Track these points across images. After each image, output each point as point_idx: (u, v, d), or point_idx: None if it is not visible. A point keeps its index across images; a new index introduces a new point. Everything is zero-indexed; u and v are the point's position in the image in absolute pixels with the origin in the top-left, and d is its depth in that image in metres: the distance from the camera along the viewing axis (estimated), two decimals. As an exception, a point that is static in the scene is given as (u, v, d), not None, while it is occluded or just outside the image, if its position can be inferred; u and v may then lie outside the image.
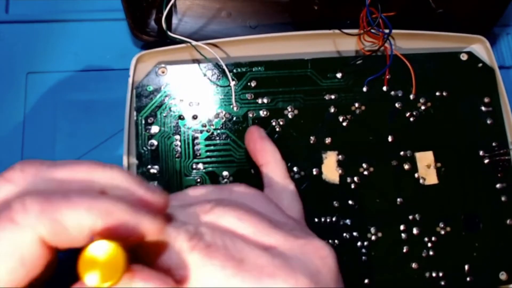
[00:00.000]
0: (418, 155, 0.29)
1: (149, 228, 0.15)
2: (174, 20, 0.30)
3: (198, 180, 0.27)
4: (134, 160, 0.27)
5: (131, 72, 0.28)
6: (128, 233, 0.15)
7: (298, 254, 0.18)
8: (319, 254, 0.18)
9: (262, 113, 0.28)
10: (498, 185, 0.29)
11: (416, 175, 0.29)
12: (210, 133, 0.28)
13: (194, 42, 0.28)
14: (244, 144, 0.28)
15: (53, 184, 0.15)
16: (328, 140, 0.28)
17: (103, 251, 0.14)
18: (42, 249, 0.14)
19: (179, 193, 0.21)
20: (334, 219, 0.28)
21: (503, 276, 0.28)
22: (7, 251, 0.14)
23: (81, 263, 0.14)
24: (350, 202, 0.28)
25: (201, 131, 0.28)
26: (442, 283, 0.27)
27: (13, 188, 0.15)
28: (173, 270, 0.16)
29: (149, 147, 0.27)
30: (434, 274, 0.27)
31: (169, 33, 0.28)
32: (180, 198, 0.21)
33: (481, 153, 0.29)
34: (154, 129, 0.28)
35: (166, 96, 0.28)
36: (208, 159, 0.28)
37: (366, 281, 0.27)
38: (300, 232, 0.19)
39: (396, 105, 0.29)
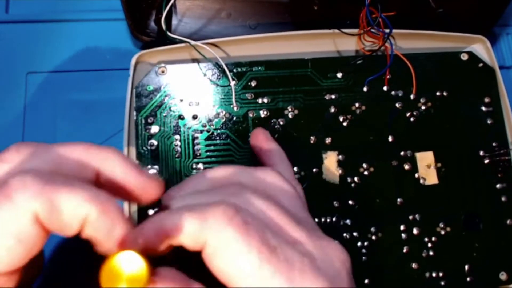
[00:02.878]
0: (418, 155, 0.29)
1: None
2: (174, 21, 0.30)
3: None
4: (134, 160, 0.27)
5: (131, 72, 0.28)
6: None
7: (322, 255, 0.17)
8: (340, 258, 0.18)
9: (262, 113, 0.28)
10: (498, 185, 0.29)
11: (416, 175, 0.29)
12: (210, 133, 0.28)
13: (193, 42, 0.28)
14: (245, 144, 0.28)
15: (48, 163, 0.15)
16: (328, 140, 0.28)
17: (127, 262, 0.14)
18: (38, 228, 0.14)
19: (197, 177, 0.20)
20: (334, 219, 0.27)
21: (503, 276, 0.28)
22: (4, 229, 0.14)
23: (105, 275, 0.14)
24: (350, 202, 0.28)
25: (201, 131, 0.28)
26: (442, 283, 0.27)
27: (8, 167, 0.15)
28: (207, 245, 0.15)
29: (149, 147, 0.27)
30: (434, 274, 0.27)
31: (169, 34, 0.28)
32: (198, 183, 0.20)
33: (481, 153, 0.29)
34: (154, 129, 0.28)
35: (166, 95, 0.28)
36: (208, 159, 0.28)
37: (366, 281, 0.27)
38: (321, 232, 0.19)
39: (397, 105, 0.29)
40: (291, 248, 0.16)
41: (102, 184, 0.16)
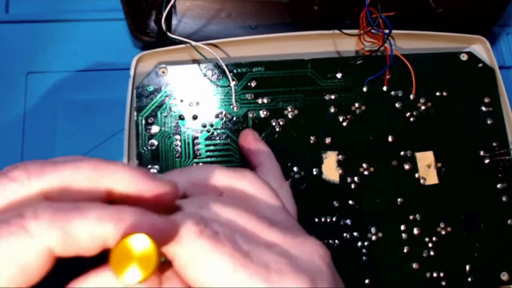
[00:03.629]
0: (418, 155, 0.29)
1: (162, 230, 0.15)
2: (174, 21, 0.30)
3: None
4: (134, 160, 0.27)
5: (131, 72, 0.28)
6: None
7: (300, 253, 0.17)
8: (318, 253, 0.18)
9: (262, 113, 0.28)
10: (498, 185, 0.29)
11: (416, 175, 0.29)
12: (210, 133, 0.28)
13: (194, 43, 0.28)
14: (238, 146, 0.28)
15: (58, 184, 0.15)
16: (328, 140, 0.28)
17: (136, 244, 0.13)
18: (47, 259, 0.14)
19: (174, 176, 0.20)
20: (334, 219, 0.27)
21: (504, 276, 0.28)
22: (12, 258, 0.13)
23: (116, 259, 0.13)
24: (350, 202, 0.28)
25: (201, 131, 0.28)
26: (443, 283, 0.27)
27: (18, 187, 0.15)
28: (177, 257, 0.16)
29: (149, 147, 0.27)
30: (435, 275, 0.27)
31: (169, 34, 0.28)
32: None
33: (481, 153, 0.29)
34: (154, 129, 0.28)
35: (166, 96, 0.28)
36: (208, 159, 0.28)
37: (366, 281, 0.27)
38: (297, 231, 0.19)
39: (396, 105, 0.29)
40: (265, 251, 0.16)
41: (116, 200, 0.16)
